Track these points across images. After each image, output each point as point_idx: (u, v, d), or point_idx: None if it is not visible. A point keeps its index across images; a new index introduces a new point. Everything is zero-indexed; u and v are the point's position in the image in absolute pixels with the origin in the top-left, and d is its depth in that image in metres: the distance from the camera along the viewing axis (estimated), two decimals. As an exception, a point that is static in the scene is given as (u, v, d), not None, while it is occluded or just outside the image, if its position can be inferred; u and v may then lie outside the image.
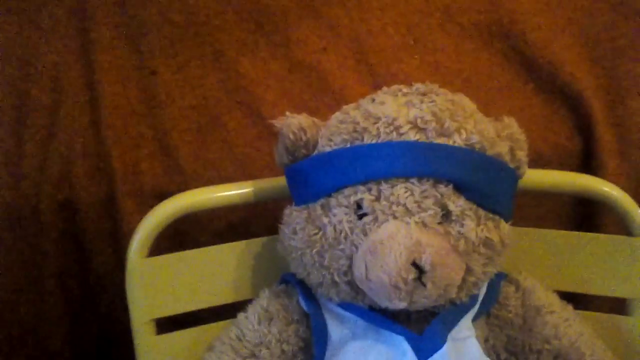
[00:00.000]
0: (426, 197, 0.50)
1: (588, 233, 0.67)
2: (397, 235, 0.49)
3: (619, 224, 0.64)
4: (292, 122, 0.56)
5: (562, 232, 0.67)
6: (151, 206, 0.65)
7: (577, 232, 0.67)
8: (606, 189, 0.63)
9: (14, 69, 0.76)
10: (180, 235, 0.73)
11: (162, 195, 0.68)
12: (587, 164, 0.76)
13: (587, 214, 0.76)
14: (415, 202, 0.50)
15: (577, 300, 0.63)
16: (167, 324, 0.65)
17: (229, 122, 0.78)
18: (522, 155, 0.56)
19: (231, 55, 0.79)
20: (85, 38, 0.78)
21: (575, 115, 0.77)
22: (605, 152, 0.75)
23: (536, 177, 0.63)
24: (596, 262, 0.65)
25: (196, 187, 0.66)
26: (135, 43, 0.78)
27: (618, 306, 0.66)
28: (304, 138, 0.56)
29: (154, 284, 0.63)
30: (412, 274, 0.48)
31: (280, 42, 0.79)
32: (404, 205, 0.50)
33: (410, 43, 0.80)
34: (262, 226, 0.70)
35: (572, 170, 0.72)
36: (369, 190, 0.51)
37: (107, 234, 0.76)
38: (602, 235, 0.67)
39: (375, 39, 0.80)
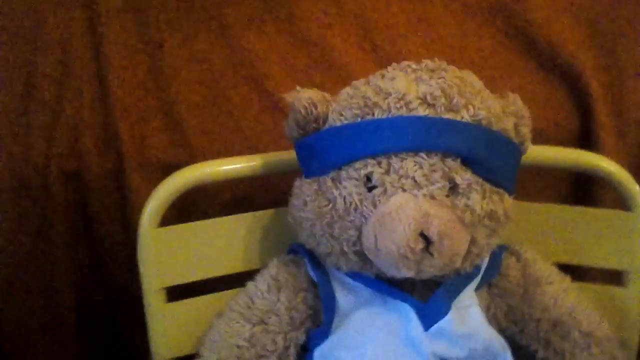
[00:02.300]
0: (434, 170, 0.52)
1: (586, 207, 0.69)
2: (406, 207, 0.51)
3: (616, 200, 0.66)
4: (303, 97, 0.57)
5: (560, 206, 0.70)
6: (157, 178, 0.66)
7: (574, 206, 0.69)
8: (604, 164, 0.65)
9: (23, 42, 0.77)
10: (187, 208, 0.75)
11: (168, 168, 0.69)
12: (585, 141, 0.78)
13: (585, 190, 0.78)
14: (424, 175, 0.52)
15: (573, 272, 0.65)
16: (177, 293, 0.67)
17: (235, 96, 0.79)
18: (526, 131, 0.58)
19: (237, 30, 0.80)
20: (92, 11, 0.78)
21: (574, 93, 0.79)
22: (602, 131, 0.77)
23: (536, 153, 0.64)
24: (593, 235, 0.67)
25: (202, 160, 0.67)
26: (141, 16, 0.79)
27: (614, 278, 0.68)
28: (314, 113, 0.57)
29: (165, 254, 0.65)
30: (420, 244, 0.50)
31: (286, 18, 0.81)
32: (413, 178, 0.52)
33: (414, 21, 0.81)
34: (267, 199, 0.72)
35: (570, 147, 0.74)
36: (379, 163, 0.53)
37: (115, 205, 0.77)
38: (599, 210, 0.69)
39: (380, 16, 0.81)
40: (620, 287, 0.68)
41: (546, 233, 0.69)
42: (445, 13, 0.81)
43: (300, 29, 0.80)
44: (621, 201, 0.65)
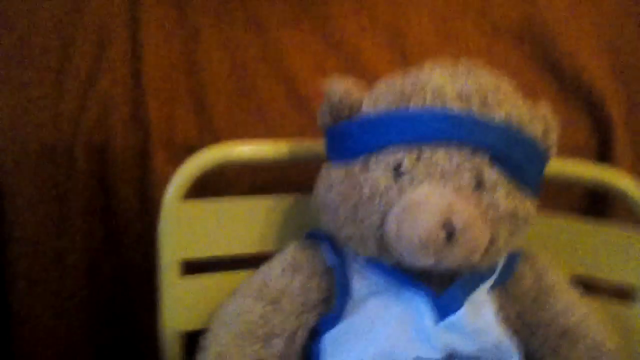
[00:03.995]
0: (463, 164, 0.54)
1: (599, 221, 0.71)
2: (432, 196, 0.53)
3: (631, 217, 0.67)
4: (339, 85, 0.59)
5: (574, 218, 0.71)
6: (181, 158, 0.67)
7: (588, 220, 0.71)
8: (620, 180, 0.67)
9: (62, 15, 0.79)
10: (207, 191, 0.76)
11: (192, 149, 0.70)
12: (602, 163, 0.79)
13: (599, 205, 0.80)
14: (453, 167, 0.54)
15: (583, 285, 0.66)
16: (191, 271, 0.68)
17: (263, 88, 0.80)
18: (553, 137, 0.59)
19: (272, 26, 0.82)
20: (132, -7, 0.81)
21: (595, 120, 0.81)
22: (620, 156, 0.79)
23: (553, 165, 0.64)
24: (605, 249, 0.69)
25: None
26: (181, 2, 0.81)
27: (623, 294, 0.69)
28: (349, 100, 0.59)
29: (185, 227, 0.66)
30: (442, 234, 0.51)
31: (320, 19, 0.83)
32: (442, 169, 0.54)
33: (444, 37, 0.84)
34: (287, 188, 0.73)
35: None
36: (410, 151, 0.54)
37: (135, 181, 0.78)
38: (612, 224, 0.70)
39: (411, 28, 0.83)
40: (629, 303, 0.68)
41: (558, 245, 0.70)
42: (475, 32, 0.84)
43: (333, 31, 0.82)
44: (636, 218, 0.67)
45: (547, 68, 0.83)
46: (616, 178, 0.67)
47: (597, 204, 0.80)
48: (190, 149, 0.74)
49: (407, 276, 0.58)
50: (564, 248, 0.70)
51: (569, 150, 0.77)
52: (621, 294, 0.69)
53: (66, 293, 0.78)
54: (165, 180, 0.67)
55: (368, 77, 0.80)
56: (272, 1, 0.82)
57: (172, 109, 0.79)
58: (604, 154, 0.79)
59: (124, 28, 0.80)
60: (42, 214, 0.77)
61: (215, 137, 0.78)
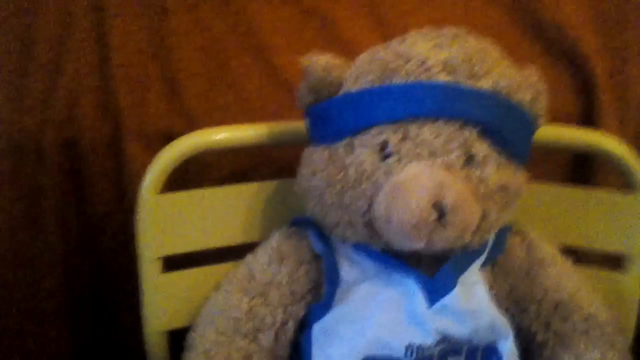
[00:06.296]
0: (452, 139, 0.51)
1: (588, 188, 0.69)
2: (421, 177, 0.50)
3: (619, 181, 0.65)
4: (318, 61, 0.56)
5: (563, 186, 0.69)
6: (156, 147, 0.64)
7: (577, 187, 0.69)
8: (611, 143, 0.64)
9: (23, 2, 0.74)
10: (184, 180, 0.73)
11: (167, 136, 0.67)
12: (587, 126, 0.77)
13: (584, 170, 0.78)
14: (441, 144, 0.51)
15: (572, 254, 0.64)
16: (173, 266, 0.65)
17: (238, 66, 0.77)
18: (543, 105, 0.57)
19: (243, 1, 0.78)
20: (95, -28, 0.76)
21: (579, 77, 0.78)
22: (604, 116, 0.76)
23: (541, 132, 0.61)
24: (594, 217, 0.67)
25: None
26: (145, -19, 0.77)
27: (612, 262, 0.67)
28: (329, 77, 0.55)
29: (164, 221, 0.63)
30: (433, 215, 0.49)
31: (293, -10, 0.79)
32: (430, 146, 0.51)
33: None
34: (267, 172, 0.71)
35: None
36: (395, 131, 0.52)
37: (110, 173, 0.75)
38: (601, 191, 0.68)
39: (387, -9, 0.80)
40: (619, 271, 0.67)
41: (546, 214, 0.68)
42: (452, -9, 0.80)
43: (306, 1, 0.79)
44: (625, 182, 0.64)
45: (529, 26, 0.80)
46: (605, 141, 0.65)
47: (580, 171, 0.78)
48: (164, 136, 0.71)
49: (396, 260, 0.56)
50: (552, 217, 0.68)
51: (552, 113, 0.75)
52: (611, 261, 0.68)
53: (43, 295, 0.75)
54: (140, 171, 0.64)
55: (346, 47, 0.78)
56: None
57: (143, 94, 0.75)
58: (588, 117, 0.77)
59: (87, 12, 0.75)
60: (14, 214, 0.74)
61: (189, 121, 0.75)
